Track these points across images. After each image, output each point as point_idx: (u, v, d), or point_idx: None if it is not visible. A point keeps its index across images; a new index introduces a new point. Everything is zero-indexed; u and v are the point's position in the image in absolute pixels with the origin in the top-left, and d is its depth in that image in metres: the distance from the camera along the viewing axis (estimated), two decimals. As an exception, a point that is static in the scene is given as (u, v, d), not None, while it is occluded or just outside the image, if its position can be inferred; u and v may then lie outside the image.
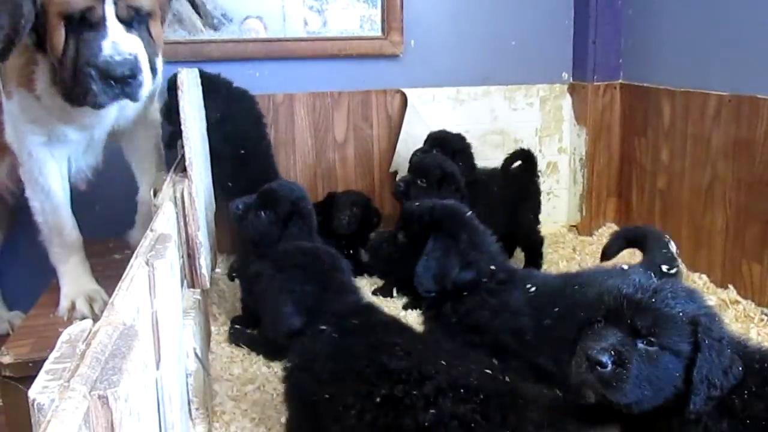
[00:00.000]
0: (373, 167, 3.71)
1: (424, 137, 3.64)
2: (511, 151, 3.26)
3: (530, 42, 3.78)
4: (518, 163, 3.30)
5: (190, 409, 2.00)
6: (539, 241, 3.34)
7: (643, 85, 3.57)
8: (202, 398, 2.01)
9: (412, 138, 3.64)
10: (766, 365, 1.46)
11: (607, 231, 3.80)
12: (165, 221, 1.67)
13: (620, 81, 3.76)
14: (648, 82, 3.54)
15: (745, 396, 1.42)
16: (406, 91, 3.64)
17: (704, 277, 3.09)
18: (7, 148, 2.34)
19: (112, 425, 0.91)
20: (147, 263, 1.33)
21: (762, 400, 1.41)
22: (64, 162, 2.33)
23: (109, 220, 2.77)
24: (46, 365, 0.94)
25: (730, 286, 2.94)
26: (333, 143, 3.62)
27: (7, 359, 1.99)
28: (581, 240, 3.79)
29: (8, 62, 2.04)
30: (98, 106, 1.94)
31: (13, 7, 1.81)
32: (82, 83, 1.88)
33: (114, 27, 1.87)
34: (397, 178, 3.66)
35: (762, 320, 2.68)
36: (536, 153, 3.83)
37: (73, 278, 2.33)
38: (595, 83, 3.74)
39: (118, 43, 1.87)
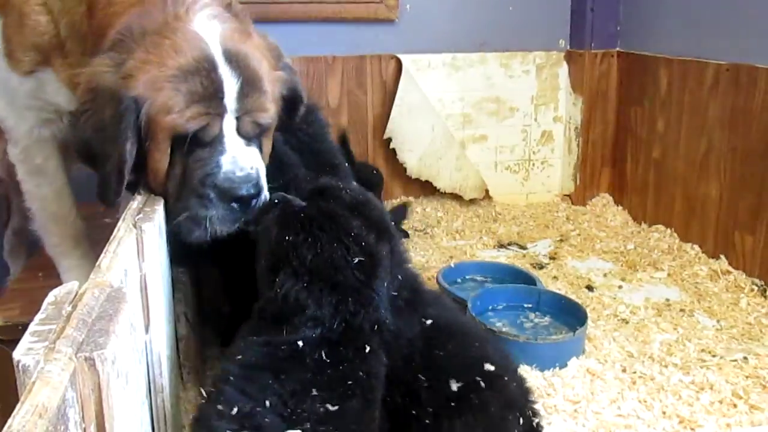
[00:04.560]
0: (366, 133, 3.67)
1: (419, 104, 3.61)
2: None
3: (528, 8, 3.72)
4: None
5: (181, 373, 2.01)
6: None
7: (640, 53, 3.53)
8: (193, 362, 2.01)
9: (406, 105, 3.60)
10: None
11: (600, 201, 3.80)
12: (154, 184, 1.64)
13: (618, 49, 3.71)
14: (646, 50, 3.49)
15: None
16: (401, 56, 3.59)
17: (696, 247, 3.10)
18: None
19: (99, 387, 0.90)
20: (135, 226, 1.31)
21: None
22: (63, 142, 2.07)
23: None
24: (31, 327, 0.93)
25: (722, 257, 2.94)
26: (326, 109, 3.57)
27: (-4, 322, 1.99)
28: (574, 210, 3.79)
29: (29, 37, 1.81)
30: (212, 237, 1.64)
31: (116, 133, 1.54)
32: (193, 211, 1.62)
33: (233, 142, 1.64)
34: (391, 145, 3.64)
35: (752, 291, 2.69)
36: (531, 122, 3.84)
37: (82, 274, 2.03)
38: (593, 51, 3.70)
39: (237, 157, 1.62)
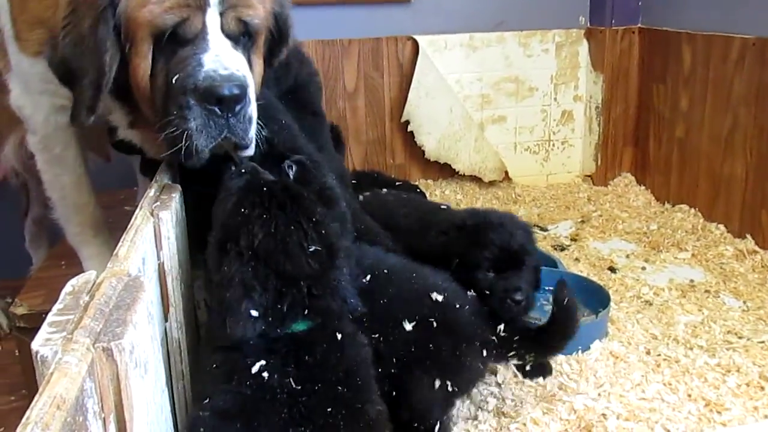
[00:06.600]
0: (384, 117, 3.64)
1: (437, 86, 3.57)
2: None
3: (546, -16, 3.65)
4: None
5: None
6: None
7: (662, 29, 3.45)
8: (214, 349, 2.02)
9: (424, 87, 3.56)
10: None
11: (622, 181, 3.74)
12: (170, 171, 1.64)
13: (639, 25, 3.62)
14: (668, 26, 3.41)
15: None
16: (417, 37, 3.54)
17: (721, 227, 3.04)
18: (15, 121, 2.09)
19: (117, 377, 0.90)
20: (152, 214, 1.30)
21: None
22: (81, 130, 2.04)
23: (120, 170, 2.73)
24: (49, 317, 0.93)
25: (748, 236, 2.88)
26: (343, 92, 3.55)
27: (20, 310, 2.01)
28: (596, 190, 3.73)
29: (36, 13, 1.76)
30: (196, 154, 1.44)
31: (94, 43, 1.42)
32: (173, 125, 1.42)
33: (217, 40, 1.46)
34: (409, 128, 3.61)
35: (780, 270, 2.64)
36: (551, 101, 3.78)
37: (103, 262, 1.98)
38: (613, 28, 3.62)
39: (221, 56, 1.43)
